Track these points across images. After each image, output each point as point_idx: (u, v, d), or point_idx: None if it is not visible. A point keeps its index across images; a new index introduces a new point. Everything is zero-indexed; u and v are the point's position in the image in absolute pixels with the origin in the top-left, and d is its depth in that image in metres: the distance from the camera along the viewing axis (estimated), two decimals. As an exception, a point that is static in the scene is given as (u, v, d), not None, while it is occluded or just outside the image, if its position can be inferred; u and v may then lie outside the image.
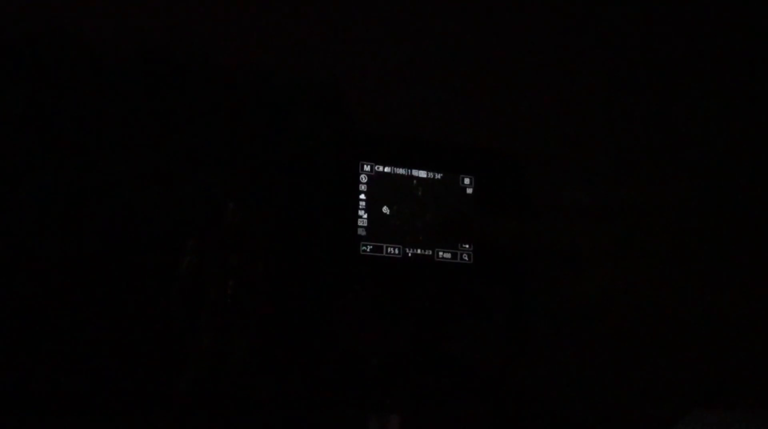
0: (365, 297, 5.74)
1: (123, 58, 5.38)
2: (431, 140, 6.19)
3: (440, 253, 6.15)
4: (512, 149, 6.28)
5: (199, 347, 3.95)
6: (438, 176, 6.21)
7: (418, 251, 6.11)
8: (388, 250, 6.04)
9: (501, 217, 6.19)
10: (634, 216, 5.61)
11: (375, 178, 6.09)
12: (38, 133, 5.04)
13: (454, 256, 6.13)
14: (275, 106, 5.82)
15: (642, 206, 5.82)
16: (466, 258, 6.22)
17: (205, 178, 5.44)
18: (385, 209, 5.91)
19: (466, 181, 6.30)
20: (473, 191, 6.28)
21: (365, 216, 6.16)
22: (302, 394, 5.44)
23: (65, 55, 5.15)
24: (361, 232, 6.13)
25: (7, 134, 4.94)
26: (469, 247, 6.26)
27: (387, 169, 6.14)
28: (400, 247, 6.11)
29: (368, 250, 6.01)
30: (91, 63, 5.28)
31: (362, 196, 6.15)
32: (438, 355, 5.68)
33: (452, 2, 5.38)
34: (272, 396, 4.57)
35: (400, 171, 6.13)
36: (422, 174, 6.17)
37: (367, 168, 6.10)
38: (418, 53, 5.74)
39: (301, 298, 5.54)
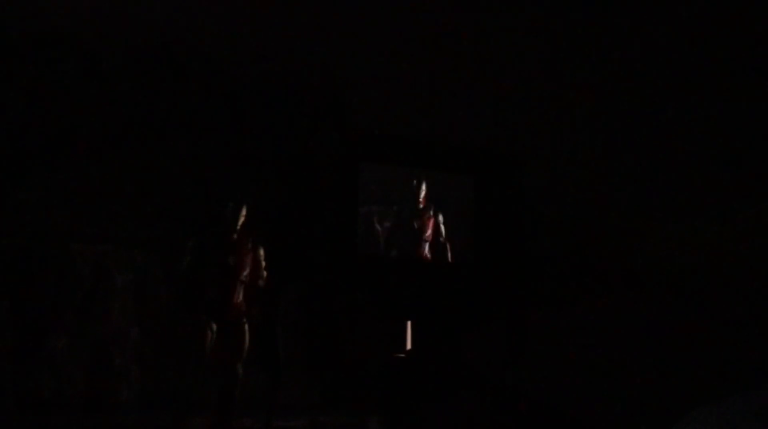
0: (364, 297, 5.74)
1: (125, 59, 5.39)
2: (432, 140, 6.20)
3: (441, 254, 6.15)
4: (512, 150, 6.28)
5: (200, 346, 3.95)
6: (438, 176, 6.21)
7: (418, 251, 6.10)
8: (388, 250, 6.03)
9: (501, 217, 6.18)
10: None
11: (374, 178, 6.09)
12: (38, 134, 5.05)
13: (453, 256, 6.12)
14: (276, 107, 5.83)
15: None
16: (466, 259, 6.21)
17: (206, 178, 5.45)
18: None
19: (467, 181, 6.30)
20: (474, 191, 6.29)
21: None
22: (303, 393, 5.44)
23: (66, 55, 5.16)
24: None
25: (7, 134, 4.95)
26: (470, 247, 6.26)
27: (386, 169, 6.13)
28: (400, 247, 6.09)
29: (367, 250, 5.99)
30: (93, 65, 5.29)
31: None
32: (438, 354, 5.68)
33: (452, 4, 5.38)
34: (273, 395, 4.58)
35: (400, 170, 6.12)
36: (422, 174, 6.17)
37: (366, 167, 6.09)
38: (417, 55, 5.74)
39: (300, 298, 5.54)
